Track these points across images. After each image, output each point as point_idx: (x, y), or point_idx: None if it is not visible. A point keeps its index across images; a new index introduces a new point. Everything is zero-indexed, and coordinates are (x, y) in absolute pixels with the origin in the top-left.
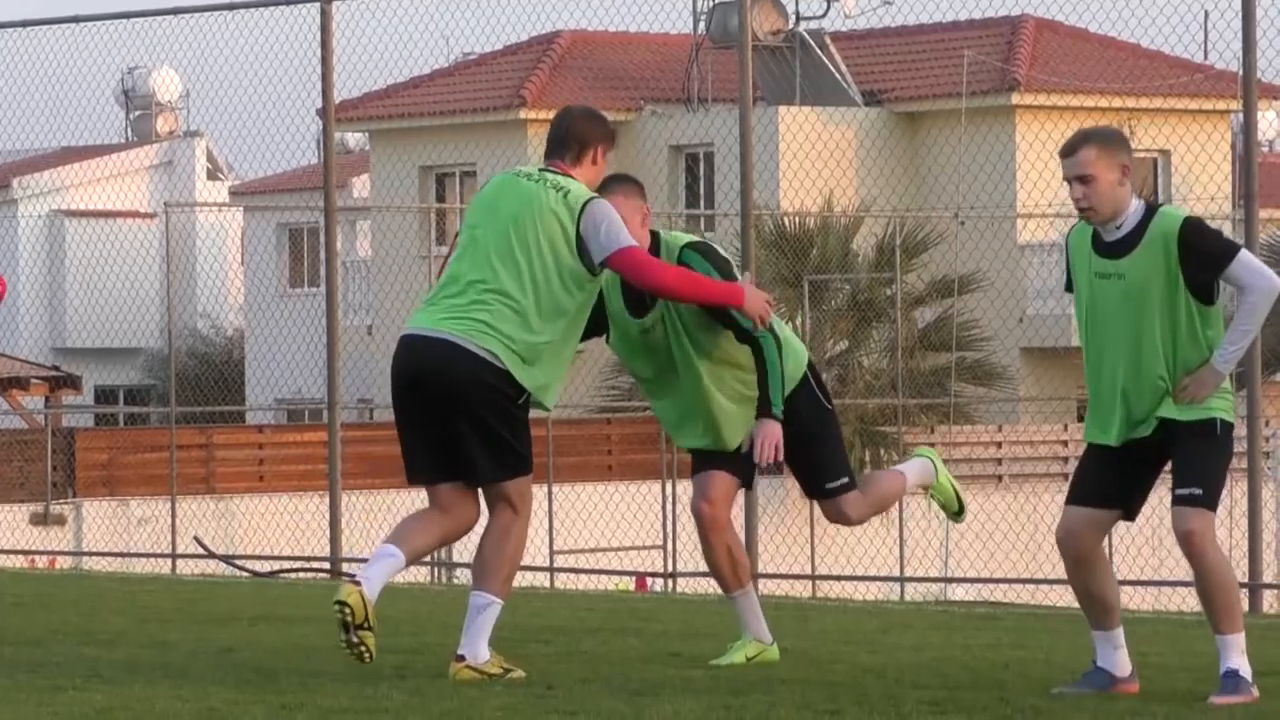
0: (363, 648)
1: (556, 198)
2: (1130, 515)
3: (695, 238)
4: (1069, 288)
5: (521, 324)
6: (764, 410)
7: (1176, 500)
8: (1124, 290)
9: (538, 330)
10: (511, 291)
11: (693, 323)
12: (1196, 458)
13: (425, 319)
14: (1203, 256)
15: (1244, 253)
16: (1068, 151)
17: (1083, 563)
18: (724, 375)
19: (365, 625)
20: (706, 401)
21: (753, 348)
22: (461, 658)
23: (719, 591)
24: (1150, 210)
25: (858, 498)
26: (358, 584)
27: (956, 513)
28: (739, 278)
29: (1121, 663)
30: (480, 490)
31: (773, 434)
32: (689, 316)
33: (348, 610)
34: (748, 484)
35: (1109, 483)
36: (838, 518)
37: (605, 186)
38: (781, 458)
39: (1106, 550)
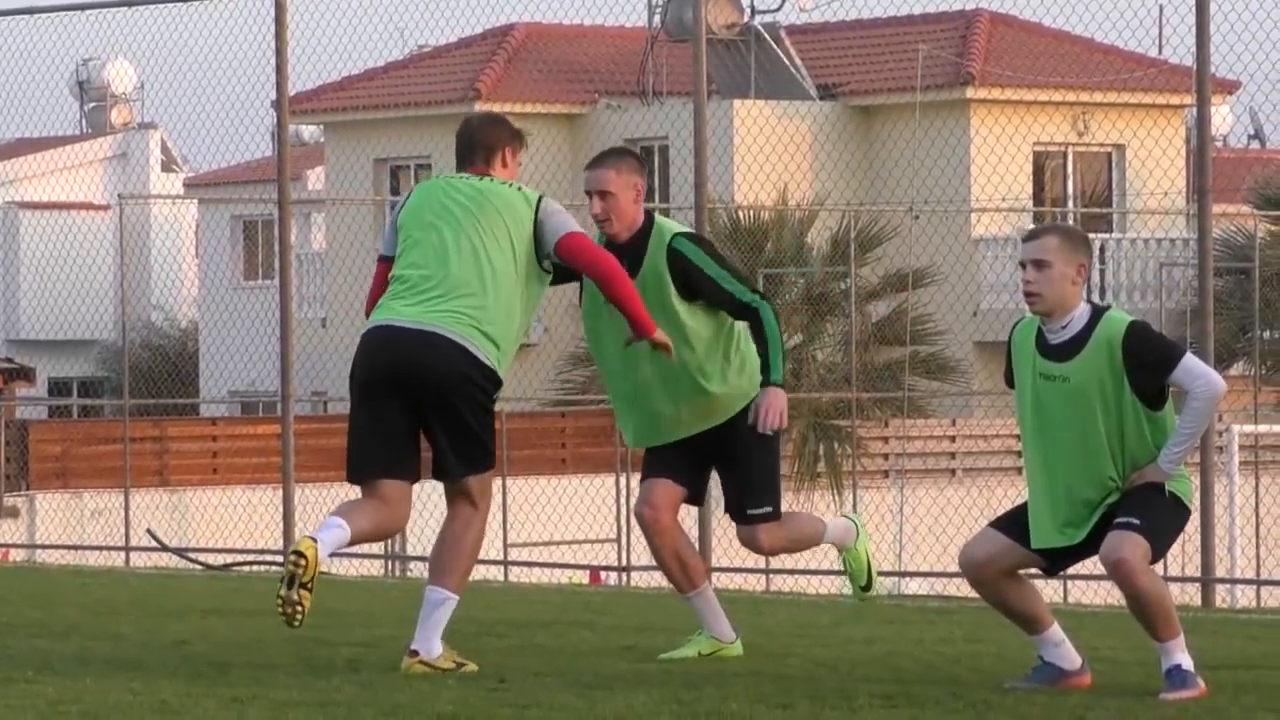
0: (299, 607)
1: (510, 191)
2: (1049, 572)
3: (687, 228)
4: (1009, 383)
5: (486, 314)
6: (766, 378)
7: (1113, 527)
8: (1068, 394)
9: (502, 318)
10: (473, 284)
11: (666, 319)
12: (1142, 498)
13: (398, 311)
14: (1146, 361)
15: (1188, 356)
16: (1031, 236)
17: (986, 585)
18: (680, 374)
19: (308, 585)
20: (651, 396)
21: (751, 320)
22: (415, 652)
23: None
24: (1096, 314)
25: (774, 529)
26: (314, 540)
27: (864, 586)
28: (727, 265)
29: (1068, 656)
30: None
31: (777, 401)
32: (663, 312)
33: (303, 562)
34: (696, 499)
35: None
36: (749, 542)
37: (601, 159)
38: (785, 424)
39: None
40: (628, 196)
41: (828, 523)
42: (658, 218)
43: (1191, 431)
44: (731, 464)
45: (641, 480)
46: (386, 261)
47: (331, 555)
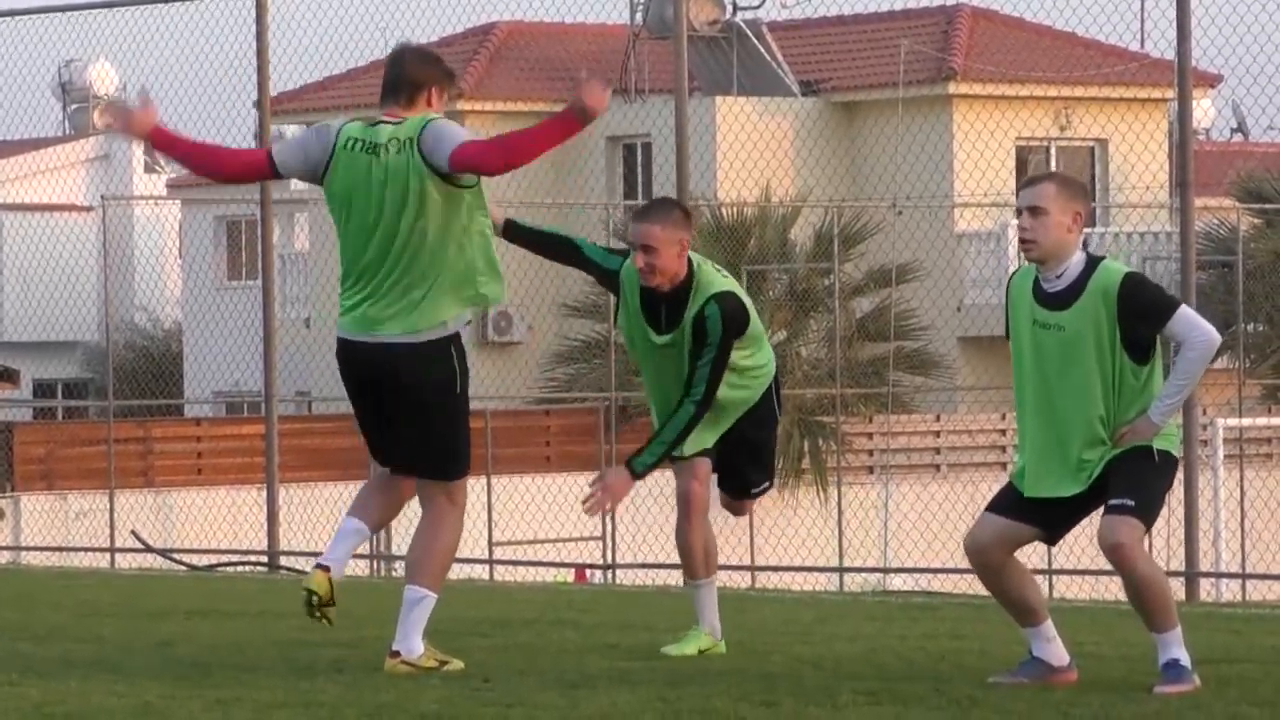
0: (325, 620)
1: (396, 154)
2: (1050, 539)
3: (728, 287)
4: (1009, 335)
5: (430, 284)
6: (630, 459)
7: (1108, 510)
8: (1063, 342)
9: (445, 275)
10: (405, 262)
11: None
12: (1132, 472)
13: (352, 324)
14: (1142, 312)
15: (1184, 308)
16: (1029, 183)
17: (991, 570)
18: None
19: (330, 603)
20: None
21: (678, 404)
22: (396, 653)
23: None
24: (1092, 264)
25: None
26: (326, 570)
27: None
28: (722, 361)
29: (1057, 653)
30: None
31: (614, 485)
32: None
33: (316, 599)
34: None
35: (1035, 501)
36: (736, 510)
37: (648, 212)
38: (610, 509)
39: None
40: (671, 252)
41: None
42: (700, 269)
43: (1184, 383)
44: (736, 446)
45: (674, 459)
46: (268, 156)
47: (316, 556)
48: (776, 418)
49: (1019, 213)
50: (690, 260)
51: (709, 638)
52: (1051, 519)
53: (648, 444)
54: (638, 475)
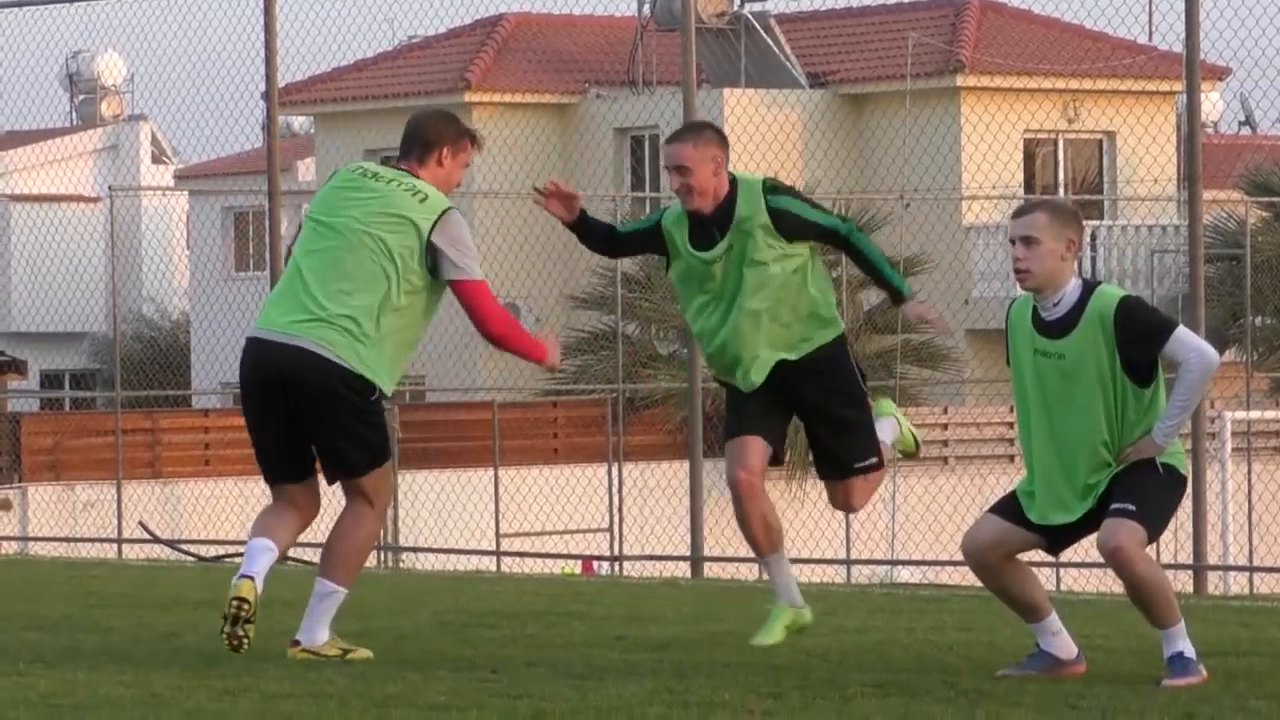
0: (245, 640)
1: (411, 201)
2: (1053, 550)
3: (769, 176)
4: (1009, 362)
5: (370, 321)
6: (898, 300)
7: (1109, 514)
8: (1064, 370)
9: (382, 327)
10: (355, 291)
11: (757, 254)
12: (1135, 480)
13: (274, 320)
14: (1139, 335)
15: (1181, 329)
16: (1020, 213)
17: (988, 571)
18: (779, 310)
19: (252, 619)
20: (753, 334)
21: (846, 248)
22: (297, 642)
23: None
24: (1088, 290)
25: (865, 485)
26: (251, 579)
27: (912, 451)
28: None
29: (1064, 646)
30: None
31: (924, 308)
32: (755, 247)
33: (247, 607)
34: (779, 452)
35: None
36: (844, 503)
37: (679, 133)
38: (939, 321)
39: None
40: (705, 170)
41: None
42: (740, 177)
43: (1185, 404)
44: (827, 423)
45: (727, 438)
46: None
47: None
48: (861, 391)
49: (1012, 242)
50: (733, 176)
51: (789, 611)
52: (1057, 536)
53: (879, 278)
54: (912, 294)
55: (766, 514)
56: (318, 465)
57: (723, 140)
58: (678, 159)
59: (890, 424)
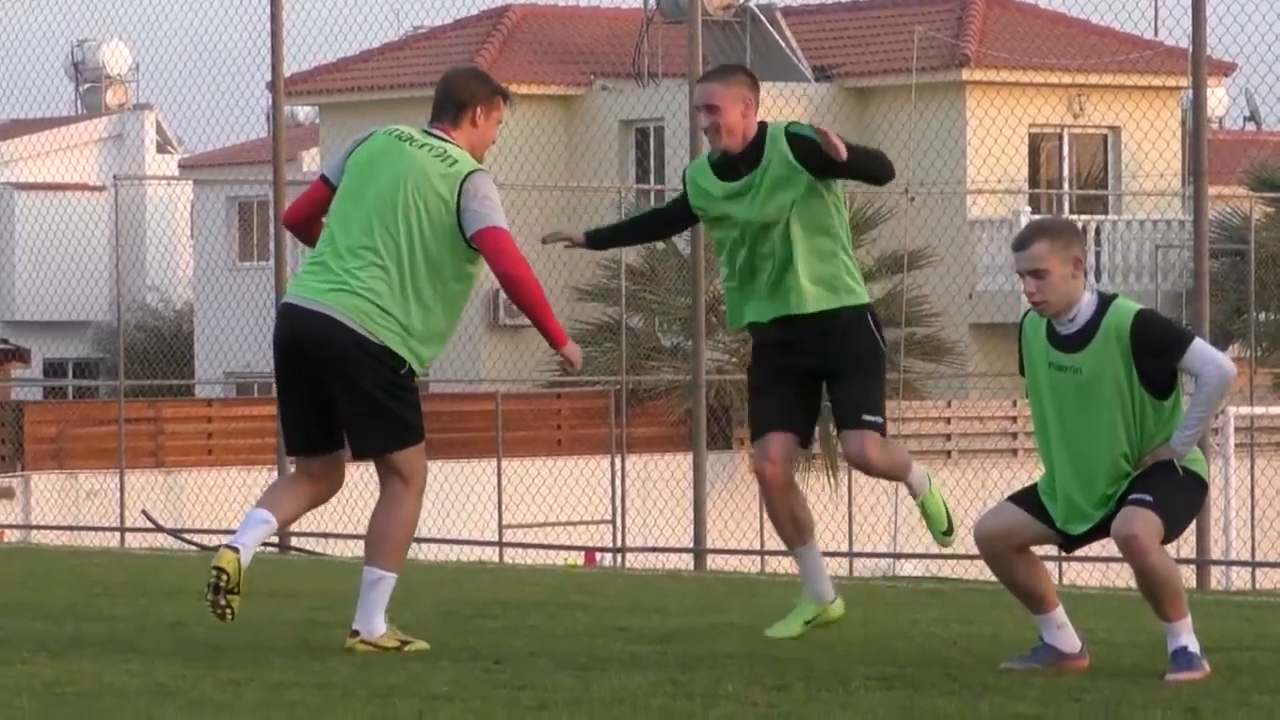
0: (229, 609)
1: (442, 166)
2: (1067, 547)
3: (795, 120)
4: (1022, 372)
5: (400, 293)
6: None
7: (1126, 503)
8: (1080, 384)
9: (415, 298)
10: (389, 260)
11: (783, 181)
12: (1153, 476)
13: (306, 288)
14: (1155, 349)
15: (1197, 341)
16: (1020, 245)
17: (998, 559)
18: (811, 237)
19: (235, 590)
20: (785, 266)
21: (842, 173)
22: (356, 632)
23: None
24: (1104, 303)
25: (883, 444)
26: (235, 550)
27: (945, 531)
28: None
29: (1068, 639)
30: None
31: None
32: (781, 175)
33: (225, 576)
34: (805, 441)
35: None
36: (859, 456)
37: (710, 74)
38: (836, 145)
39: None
40: (735, 110)
41: (913, 464)
42: (772, 124)
43: (1202, 415)
44: (843, 378)
45: (754, 433)
46: (324, 182)
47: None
48: (881, 349)
49: (1021, 275)
50: (762, 123)
51: (813, 605)
52: (1074, 538)
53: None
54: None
55: (794, 506)
56: (346, 444)
57: (754, 83)
58: (707, 98)
59: (921, 474)
